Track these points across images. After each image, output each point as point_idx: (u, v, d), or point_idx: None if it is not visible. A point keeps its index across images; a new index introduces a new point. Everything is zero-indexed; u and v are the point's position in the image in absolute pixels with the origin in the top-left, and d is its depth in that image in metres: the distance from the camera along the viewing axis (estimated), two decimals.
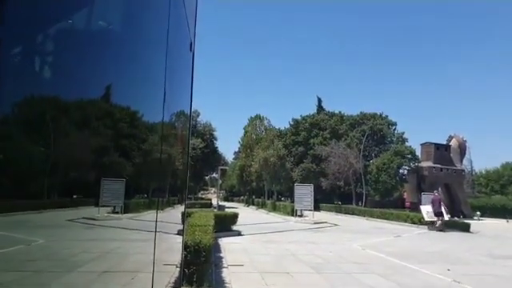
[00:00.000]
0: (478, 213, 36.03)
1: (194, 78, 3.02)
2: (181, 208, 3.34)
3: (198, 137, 44.05)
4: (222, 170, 26.61)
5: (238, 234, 14.55)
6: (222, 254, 9.91)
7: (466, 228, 20.04)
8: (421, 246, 12.81)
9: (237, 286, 6.39)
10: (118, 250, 1.62)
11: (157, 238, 1.92)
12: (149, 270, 1.85)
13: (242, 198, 69.37)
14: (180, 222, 3.50)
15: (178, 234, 3.53)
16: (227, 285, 6.47)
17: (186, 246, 5.83)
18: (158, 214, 1.98)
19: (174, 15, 2.10)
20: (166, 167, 2.31)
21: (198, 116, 47.53)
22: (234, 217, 15.13)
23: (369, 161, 48.99)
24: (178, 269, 3.47)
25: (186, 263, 5.78)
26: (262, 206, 40.98)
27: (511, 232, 22.23)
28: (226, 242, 12.19)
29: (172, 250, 2.94)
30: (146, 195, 1.89)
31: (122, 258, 1.66)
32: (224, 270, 7.93)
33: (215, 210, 17.36)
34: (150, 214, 1.89)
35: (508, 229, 25.16)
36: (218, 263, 8.56)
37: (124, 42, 1.54)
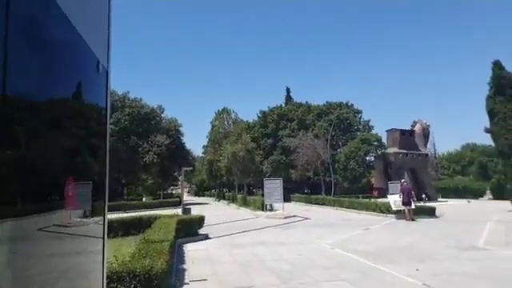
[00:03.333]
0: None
1: (108, 98, 2.58)
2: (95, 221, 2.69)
3: (163, 133, 42.53)
4: (186, 170, 25.66)
5: (205, 237, 13.94)
6: (185, 266, 9.30)
7: (431, 213, 20.78)
8: (390, 241, 12.72)
9: None
10: None
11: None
12: None
13: (213, 191, 68.72)
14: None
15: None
16: None
17: (134, 275, 5.20)
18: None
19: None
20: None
21: (162, 112, 45.89)
22: (200, 220, 14.48)
23: (336, 150, 49.55)
24: None
25: None
26: (233, 200, 40.46)
27: (471, 213, 23.23)
28: (190, 249, 11.59)
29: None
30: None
31: None
32: (185, 286, 7.37)
33: (179, 212, 16.58)
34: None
35: (468, 210, 26.41)
36: (179, 278, 7.97)
37: None
